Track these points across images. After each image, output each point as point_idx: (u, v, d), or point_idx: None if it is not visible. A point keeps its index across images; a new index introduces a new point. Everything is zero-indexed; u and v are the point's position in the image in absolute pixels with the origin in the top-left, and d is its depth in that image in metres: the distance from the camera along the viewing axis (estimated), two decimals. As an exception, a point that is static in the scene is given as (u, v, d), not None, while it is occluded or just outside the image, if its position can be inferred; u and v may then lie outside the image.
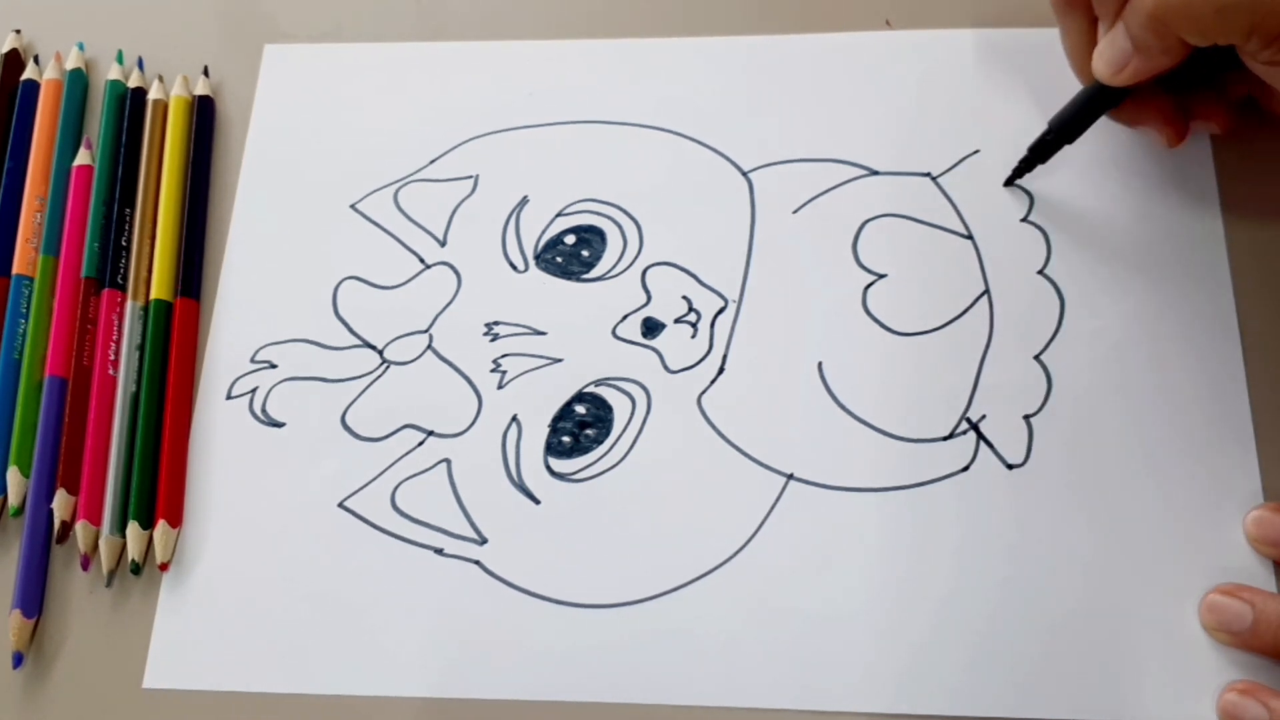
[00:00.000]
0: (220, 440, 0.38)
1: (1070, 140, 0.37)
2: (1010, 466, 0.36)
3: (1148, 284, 0.38)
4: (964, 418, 0.36)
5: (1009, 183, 0.39)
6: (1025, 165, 0.38)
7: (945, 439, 0.36)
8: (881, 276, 0.39)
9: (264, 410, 0.39)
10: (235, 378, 0.39)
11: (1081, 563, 0.34)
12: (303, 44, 0.45)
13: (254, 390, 0.39)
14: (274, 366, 0.39)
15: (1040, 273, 0.38)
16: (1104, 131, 0.40)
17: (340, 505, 0.37)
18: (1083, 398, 0.36)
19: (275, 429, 0.38)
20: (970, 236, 0.39)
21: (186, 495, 0.38)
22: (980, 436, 0.36)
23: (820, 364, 0.38)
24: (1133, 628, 0.34)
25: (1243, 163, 0.39)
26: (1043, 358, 0.37)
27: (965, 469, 0.36)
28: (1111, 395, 0.36)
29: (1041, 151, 0.38)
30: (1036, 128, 0.40)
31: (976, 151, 0.40)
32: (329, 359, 0.39)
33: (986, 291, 0.38)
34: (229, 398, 0.39)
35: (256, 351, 0.40)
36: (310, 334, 0.40)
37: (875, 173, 0.40)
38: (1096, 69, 0.35)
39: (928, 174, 0.40)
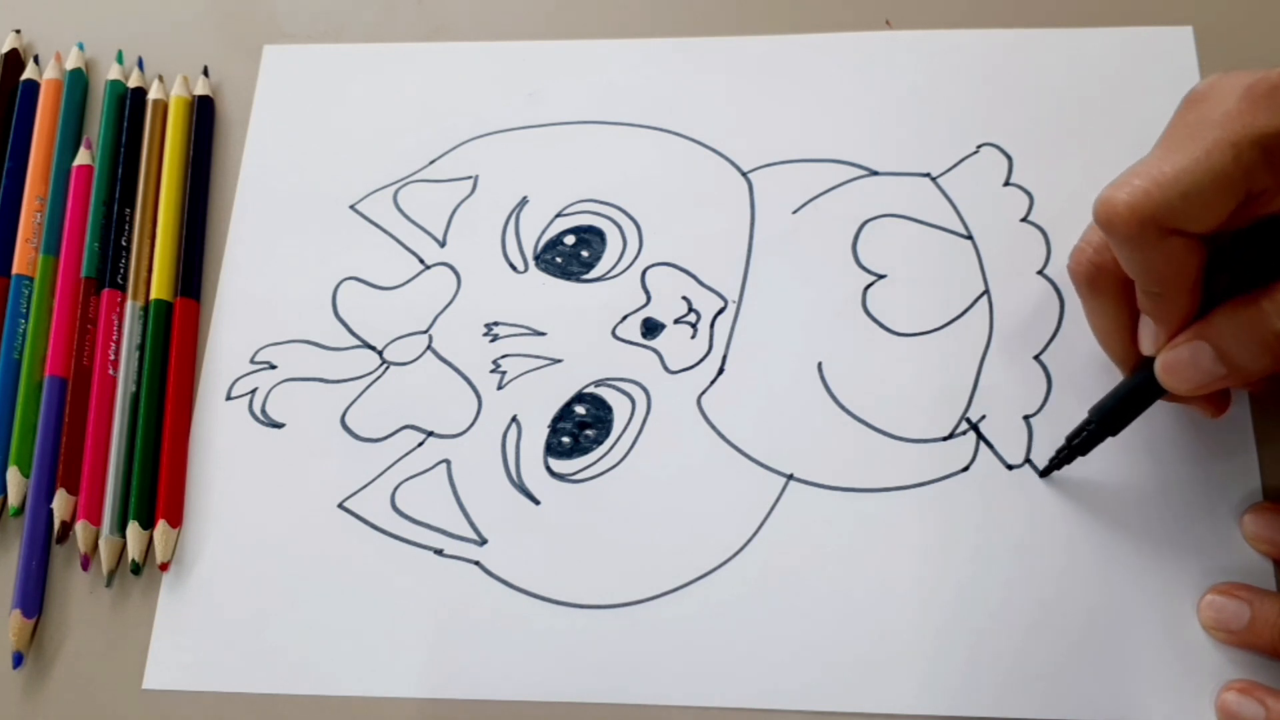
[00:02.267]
0: (220, 440, 0.38)
1: (1114, 432, 0.33)
2: (1010, 466, 0.36)
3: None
4: (964, 418, 0.36)
5: (1045, 474, 0.35)
6: (1064, 458, 0.34)
7: (945, 439, 0.36)
8: (881, 276, 0.39)
9: (264, 411, 0.39)
10: (235, 378, 0.39)
11: (1081, 562, 0.34)
12: (303, 44, 0.45)
13: (254, 391, 0.39)
14: (274, 367, 0.39)
15: (1040, 273, 0.38)
16: (1104, 133, 0.40)
17: (340, 506, 0.37)
18: (1083, 398, 0.36)
19: (275, 429, 0.38)
20: (970, 236, 0.39)
21: (186, 495, 0.38)
22: (980, 436, 0.36)
23: (820, 364, 0.38)
24: (1132, 627, 0.34)
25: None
26: (1043, 358, 0.37)
27: (965, 469, 0.36)
28: (1111, 395, 0.36)
29: (1083, 444, 0.34)
30: (1036, 128, 0.40)
31: (976, 151, 0.40)
32: (329, 359, 0.39)
33: (986, 291, 0.38)
34: (229, 398, 0.39)
35: (256, 352, 0.40)
36: (310, 334, 0.40)
37: (875, 173, 0.40)
38: (1168, 383, 0.31)
39: (928, 174, 0.40)
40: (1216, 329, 0.30)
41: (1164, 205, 0.28)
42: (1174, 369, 0.31)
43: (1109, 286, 0.32)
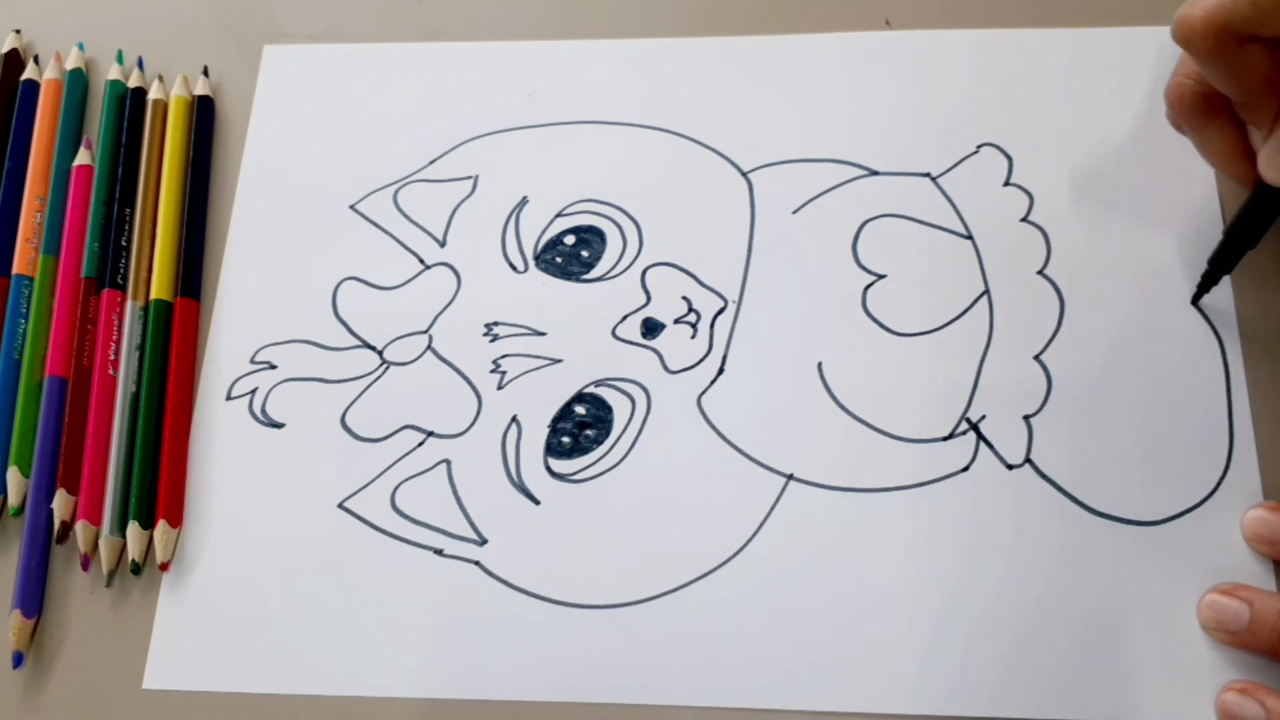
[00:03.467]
0: (220, 440, 0.38)
1: (1252, 245, 0.35)
2: (1010, 466, 0.36)
3: (1147, 284, 0.38)
4: (964, 418, 0.36)
5: (1196, 300, 0.37)
6: (1209, 279, 0.36)
7: (945, 439, 0.36)
8: (881, 277, 0.39)
9: (264, 411, 0.39)
10: (235, 378, 0.39)
11: (1081, 563, 0.34)
12: (303, 44, 0.45)
13: (254, 391, 0.39)
14: (274, 367, 0.39)
15: (1040, 273, 0.38)
16: (1104, 133, 0.40)
17: (340, 506, 0.37)
18: (1083, 398, 0.36)
19: (275, 429, 0.38)
20: (970, 236, 0.39)
21: (186, 495, 0.38)
22: (980, 436, 0.36)
23: (820, 364, 0.38)
24: (1132, 627, 0.34)
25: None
26: (1043, 358, 0.37)
27: (965, 469, 0.36)
28: (1111, 395, 0.36)
29: (1223, 261, 0.35)
30: (1036, 128, 0.40)
31: (976, 151, 0.40)
32: (329, 359, 0.39)
33: (986, 291, 0.38)
34: (229, 398, 0.39)
35: (256, 352, 0.40)
36: (310, 334, 0.40)
37: (875, 173, 0.40)
38: (1271, 177, 0.32)
39: (928, 174, 0.40)
40: None
41: (1236, 14, 0.30)
42: (1273, 161, 0.32)
43: (1213, 110, 0.34)
